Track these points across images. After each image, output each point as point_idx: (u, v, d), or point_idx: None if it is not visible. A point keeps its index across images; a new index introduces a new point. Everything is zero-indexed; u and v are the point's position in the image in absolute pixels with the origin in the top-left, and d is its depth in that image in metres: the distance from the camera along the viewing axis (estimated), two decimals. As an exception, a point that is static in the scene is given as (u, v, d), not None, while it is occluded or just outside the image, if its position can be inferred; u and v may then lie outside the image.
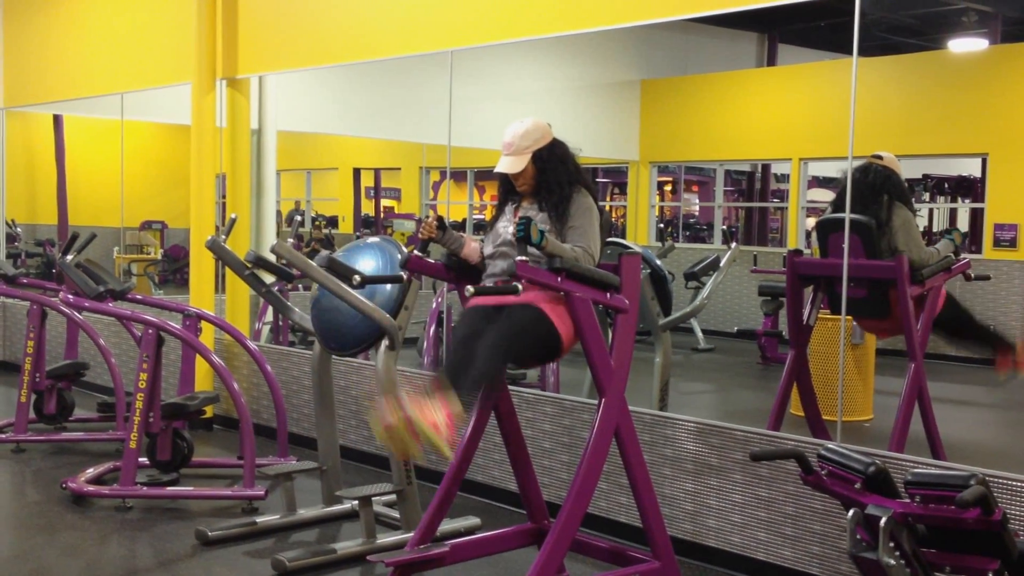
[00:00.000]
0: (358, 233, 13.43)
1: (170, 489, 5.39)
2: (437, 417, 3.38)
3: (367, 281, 4.34)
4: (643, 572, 3.79)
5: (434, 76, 6.56)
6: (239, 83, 7.29)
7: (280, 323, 8.54)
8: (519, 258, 3.47)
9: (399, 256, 4.50)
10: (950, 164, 12.03)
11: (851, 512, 2.83)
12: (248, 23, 6.99)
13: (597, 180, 13.64)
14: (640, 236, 11.98)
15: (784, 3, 4.58)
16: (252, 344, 6.36)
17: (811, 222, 10.50)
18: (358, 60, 6.50)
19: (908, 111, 10.07)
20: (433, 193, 13.59)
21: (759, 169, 13.61)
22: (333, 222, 14.28)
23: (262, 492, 5.23)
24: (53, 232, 11.75)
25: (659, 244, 11.16)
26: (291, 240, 9.88)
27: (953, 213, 12.36)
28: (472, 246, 3.97)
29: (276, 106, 8.94)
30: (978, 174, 10.88)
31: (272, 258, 5.15)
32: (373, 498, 4.66)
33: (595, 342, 3.64)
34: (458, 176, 13.07)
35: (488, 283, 3.83)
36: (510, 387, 4.18)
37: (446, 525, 4.57)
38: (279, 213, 11.83)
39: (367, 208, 14.77)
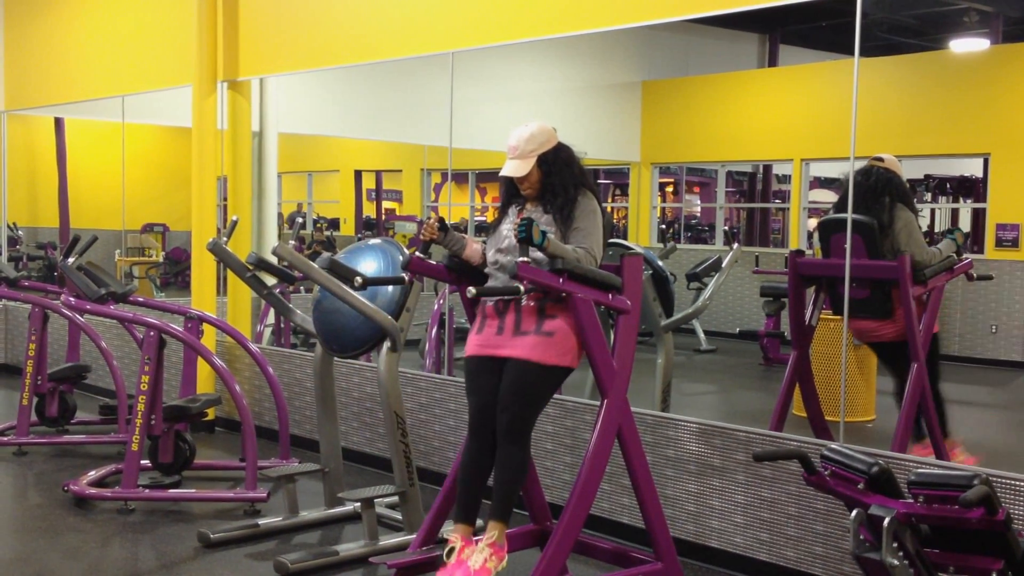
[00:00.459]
0: (359, 235, 13.43)
1: (172, 491, 5.38)
2: (489, 564, 3.62)
3: (369, 283, 4.33)
4: (646, 573, 3.79)
5: (435, 78, 6.56)
6: (240, 85, 7.30)
7: (282, 325, 8.54)
8: (520, 259, 3.47)
9: (400, 258, 4.50)
10: (952, 164, 12.03)
11: (854, 512, 2.83)
12: (249, 25, 6.99)
13: (598, 181, 13.64)
14: (642, 237, 11.98)
15: (785, 4, 4.58)
16: (254, 346, 6.36)
17: (813, 223, 10.49)
18: (359, 62, 6.50)
19: (910, 111, 10.07)
20: (434, 195, 13.60)
21: (760, 170, 13.62)
22: (334, 224, 14.29)
23: (264, 494, 5.23)
24: (55, 235, 11.75)
25: (661, 245, 11.16)
26: (292, 242, 9.87)
27: (955, 213, 12.35)
28: (474, 247, 3.96)
29: (277, 108, 8.94)
30: (980, 174, 10.88)
31: (274, 260, 5.15)
32: (375, 500, 4.65)
33: (597, 343, 3.63)
34: (459, 178, 13.08)
35: (489, 304, 3.83)
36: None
37: (448, 527, 4.56)
38: (280, 215, 11.84)
39: (368, 210, 14.78)
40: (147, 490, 5.30)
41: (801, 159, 10.92)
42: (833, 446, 3.11)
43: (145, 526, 5.03)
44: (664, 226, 12.76)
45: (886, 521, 2.71)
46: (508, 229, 3.84)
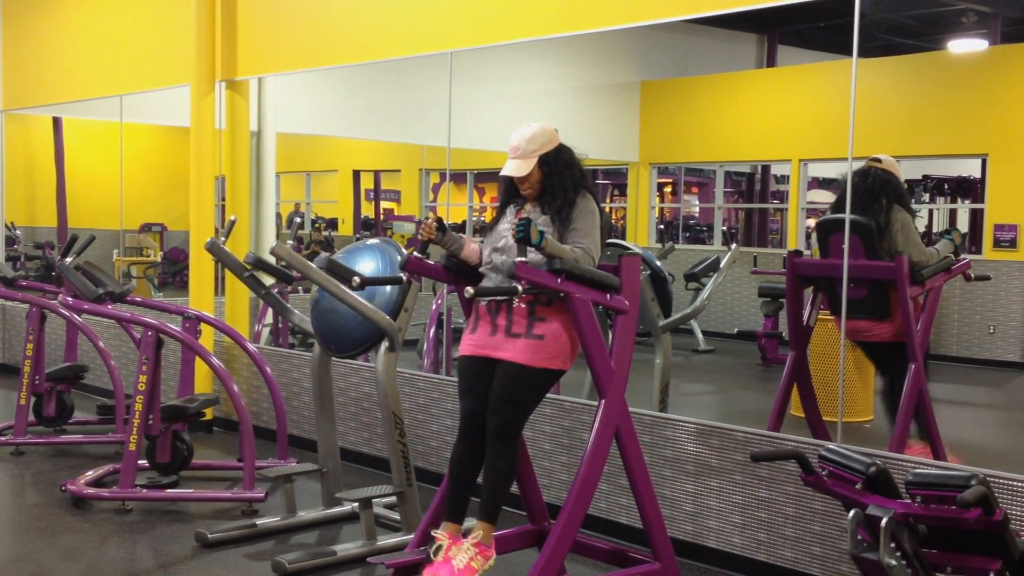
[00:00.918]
0: (358, 235, 13.43)
1: (170, 491, 5.38)
2: (474, 563, 3.65)
3: (367, 283, 4.33)
4: (644, 573, 3.79)
5: (433, 78, 6.55)
6: (238, 85, 7.29)
7: (280, 325, 8.54)
8: (518, 259, 3.47)
9: (399, 258, 4.50)
10: (950, 165, 12.03)
11: (852, 513, 2.83)
12: (247, 25, 6.99)
13: (597, 182, 13.64)
14: (640, 237, 11.98)
15: (783, 4, 4.58)
16: (252, 346, 6.36)
17: (811, 223, 10.50)
18: (357, 62, 6.50)
19: (908, 112, 10.07)
20: (433, 195, 13.60)
21: (759, 170, 13.61)
22: (333, 224, 14.28)
23: (262, 494, 5.22)
24: (52, 235, 11.75)
25: (659, 245, 11.16)
26: (291, 242, 9.88)
27: (953, 214, 12.36)
28: (472, 247, 3.96)
29: (275, 108, 8.94)
30: (978, 175, 10.88)
31: (272, 260, 5.14)
32: (373, 500, 4.65)
33: (595, 343, 3.63)
34: (458, 178, 13.07)
35: (483, 304, 3.83)
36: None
37: (446, 527, 4.56)
38: (279, 215, 11.83)
39: (367, 210, 14.78)
40: (145, 490, 5.30)
41: (799, 159, 10.92)
42: (831, 446, 3.11)
43: (143, 526, 5.02)
44: (662, 226, 12.75)
45: (884, 521, 2.71)
46: (506, 229, 3.84)
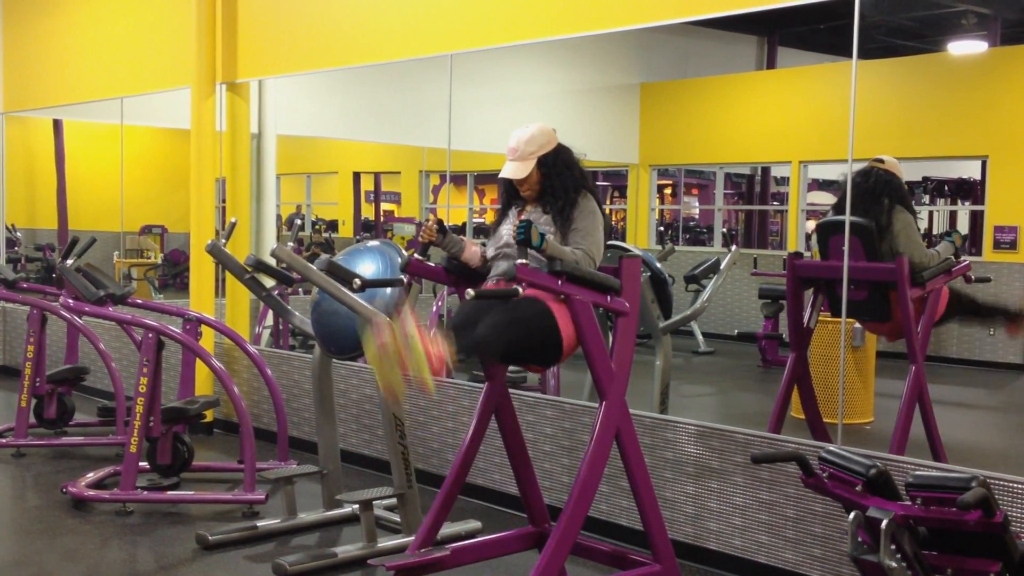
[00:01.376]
0: (358, 237, 13.43)
1: (170, 493, 5.38)
2: (432, 348, 3.37)
3: (367, 285, 4.34)
4: (644, 575, 3.78)
5: (434, 80, 6.56)
6: (239, 87, 7.30)
7: (280, 327, 8.54)
8: (520, 261, 3.47)
9: (399, 260, 4.50)
10: (950, 166, 12.03)
11: (852, 514, 2.83)
12: (247, 27, 7.00)
13: (597, 183, 13.62)
14: (640, 239, 11.98)
15: (783, 6, 4.58)
16: (252, 348, 6.36)
17: (811, 225, 10.50)
18: (358, 64, 6.50)
19: (908, 114, 10.08)
20: (433, 197, 13.60)
21: (759, 172, 13.61)
22: (333, 226, 14.29)
23: (262, 496, 5.23)
24: (53, 237, 11.75)
25: (659, 247, 11.16)
26: (291, 244, 9.87)
27: (953, 215, 12.36)
28: (472, 250, 3.97)
29: (276, 110, 8.94)
30: (978, 176, 10.88)
31: (272, 262, 5.15)
32: (374, 502, 4.65)
33: (596, 345, 3.63)
34: (458, 180, 13.07)
35: (491, 283, 3.84)
36: (511, 390, 4.18)
37: (447, 529, 4.56)
38: (279, 217, 11.83)
39: (367, 212, 14.78)
40: (145, 492, 5.30)
41: (799, 161, 10.92)
42: (831, 448, 3.11)
43: (143, 528, 5.02)
44: (662, 228, 12.75)
45: (884, 523, 2.71)
46: (507, 231, 3.85)
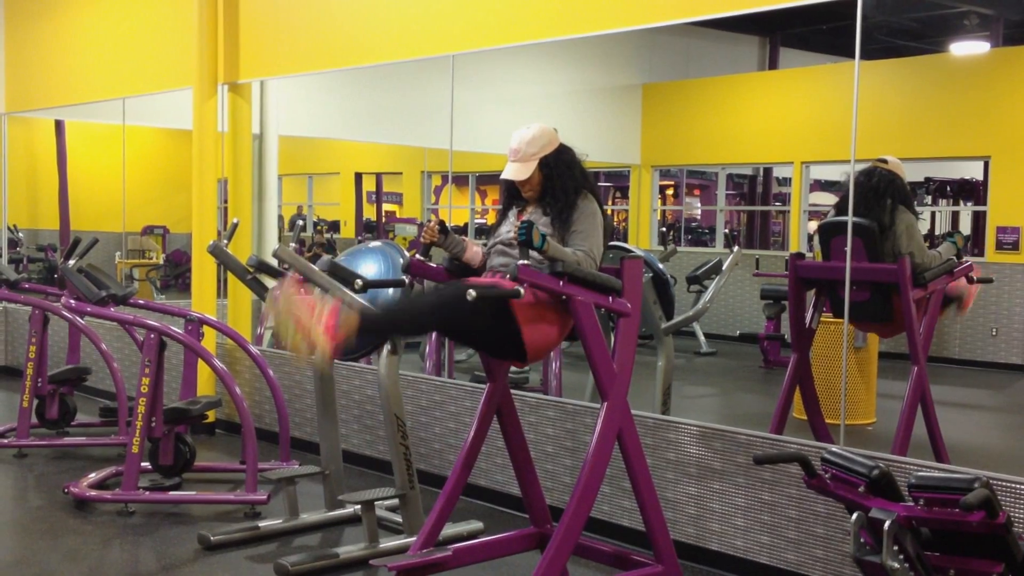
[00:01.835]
0: (360, 237, 13.44)
1: (172, 494, 5.38)
2: (322, 316, 3.44)
3: (369, 285, 4.33)
4: (646, 576, 3.78)
5: (435, 80, 6.56)
6: (241, 88, 7.30)
7: (282, 328, 8.52)
8: (521, 262, 3.47)
9: (401, 260, 4.50)
10: (952, 167, 12.03)
11: (855, 515, 2.83)
12: (249, 28, 7.00)
13: (599, 184, 13.63)
14: (642, 240, 11.98)
15: (785, 6, 4.58)
16: (254, 348, 6.36)
17: (813, 225, 10.49)
18: (359, 64, 6.50)
19: (910, 114, 10.08)
20: (435, 197, 13.60)
21: (761, 173, 13.62)
22: (335, 226, 14.30)
23: (264, 497, 5.23)
24: (55, 237, 11.76)
25: (661, 248, 11.17)
26: (293, 245, 9.87)
27: (955, 216, 12.35)
28: (474, 250, 3.96)
29: (278, 111, 8.95)
30: (980, 177, 10.88)
31: (274, 262, 5.14)
32: (376, 502, 4.65)
33: (597, 346, 3.63)
34: (460, 180, 13.08)
35: (487, 275, 3.83)
36: (513, 391, 4.18)
37: (449, 529, 4.56)
38: (281, 218, 11.84)
39: (369, 212, 14.79)
40: (147, 492, 5.30)
41: (801, 162, 10.92)
42: (834, 449, 3.11)
43: (145, 528, 5.02)
44: (664, 229, 12.75)
45: (887, 524, 2.71)
46: (507, 231, 3.84)
